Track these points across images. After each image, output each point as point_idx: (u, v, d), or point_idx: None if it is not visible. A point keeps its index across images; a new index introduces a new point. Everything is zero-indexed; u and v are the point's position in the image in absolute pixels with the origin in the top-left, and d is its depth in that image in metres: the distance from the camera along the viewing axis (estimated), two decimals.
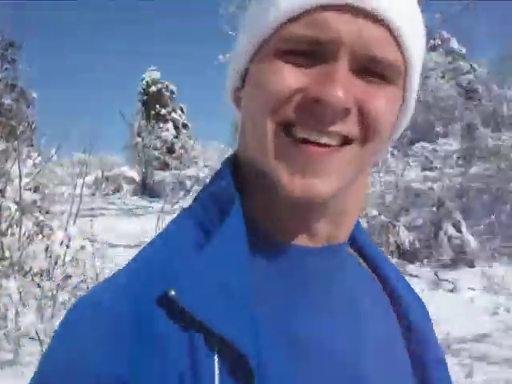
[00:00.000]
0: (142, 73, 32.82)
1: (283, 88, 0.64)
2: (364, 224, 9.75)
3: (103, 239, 10.16)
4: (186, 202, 19.56)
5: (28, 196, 7.55)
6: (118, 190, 24.37)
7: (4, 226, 5.51)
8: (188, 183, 20.74)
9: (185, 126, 31.35)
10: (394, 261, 9.53)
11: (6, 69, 19.70)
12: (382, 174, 11.50)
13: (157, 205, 17.73)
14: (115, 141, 33.16)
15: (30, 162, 7.38)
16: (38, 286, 5.36)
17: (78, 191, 8.14)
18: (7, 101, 18.42)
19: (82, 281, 6.11)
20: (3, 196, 6.05)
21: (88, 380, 0.58)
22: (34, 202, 7.31)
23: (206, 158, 33.83)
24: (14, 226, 5.51)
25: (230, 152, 0.81)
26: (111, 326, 0.60)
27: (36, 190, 8.79)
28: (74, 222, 5.83)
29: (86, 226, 6.77)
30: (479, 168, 14.79)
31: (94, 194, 23.61)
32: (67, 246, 5.58)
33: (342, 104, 0.61)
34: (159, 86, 31.72)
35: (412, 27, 0.66)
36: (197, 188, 19.02)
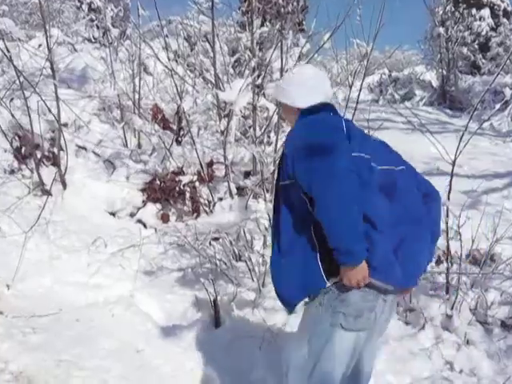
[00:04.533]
0: None
1: None
2: None
3: None
4: (502, 119, 14.44)
5: None
6: (408, 97, 20.94)
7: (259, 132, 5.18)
8: (508, 93, 15.21)
9: (507, 13, 23.91)
10: None
11: None
12: None
13: (459, 121, 14.51)
14: (411, 33, 28.01)
15: (296, 51, 6.56)
16: None
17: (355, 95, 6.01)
18: None
19: None
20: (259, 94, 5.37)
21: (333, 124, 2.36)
22: None
23: None
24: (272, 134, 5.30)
25: None
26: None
27: None
28: None
29: None
30: None
31: (376, 101, 20.42)
32: None
33: None
34: None
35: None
36: None
